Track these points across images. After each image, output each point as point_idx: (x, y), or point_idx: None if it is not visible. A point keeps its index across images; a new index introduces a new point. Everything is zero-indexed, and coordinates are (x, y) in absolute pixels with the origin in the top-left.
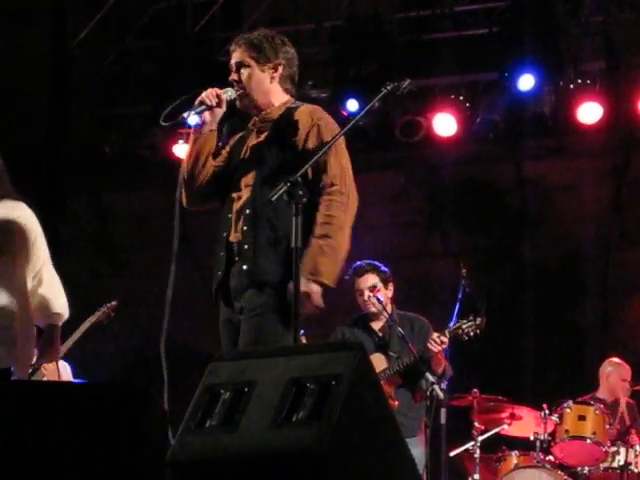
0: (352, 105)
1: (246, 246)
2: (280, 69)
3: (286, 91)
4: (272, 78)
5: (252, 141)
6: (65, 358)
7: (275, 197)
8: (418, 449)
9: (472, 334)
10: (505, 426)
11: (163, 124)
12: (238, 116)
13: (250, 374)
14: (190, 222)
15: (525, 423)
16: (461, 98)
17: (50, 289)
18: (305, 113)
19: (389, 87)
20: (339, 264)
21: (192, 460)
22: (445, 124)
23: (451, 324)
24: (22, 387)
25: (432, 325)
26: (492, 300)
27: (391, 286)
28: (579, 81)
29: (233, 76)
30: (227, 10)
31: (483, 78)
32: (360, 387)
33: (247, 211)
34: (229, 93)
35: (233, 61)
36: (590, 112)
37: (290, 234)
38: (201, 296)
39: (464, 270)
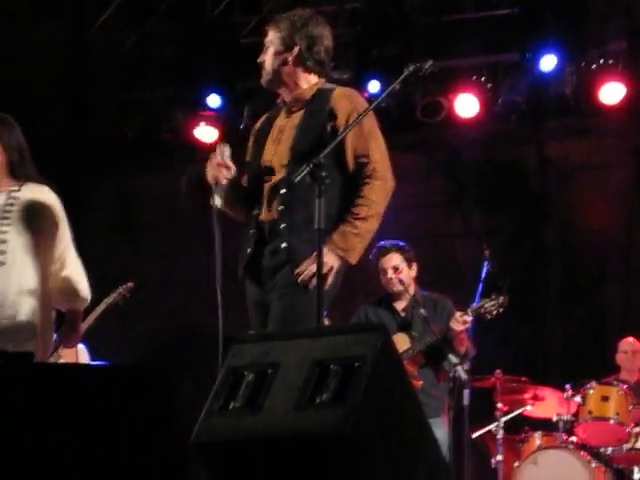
0: (374, 86)
1: (282, 225)
2: (296, 50)
3: (311, 71)
4: (291, 58)
5: (282, 121)
6: (82, 340)
7: (298, 178)
8: (441, 430)
9: (495, 312)
10: (528, 407)
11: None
12: (261, 97)
13: (273, 356)
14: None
15: (548, 404)
16: (483, 79)
17: (73, 273)
18: (344, 97)
19: (411, 68)
20: (365, 246)
21: (216, 442)
22: (467, 105)
23: (474, 304)
24: (44, 370)
25: (455, 305)
26: (514, 280)
27: (414, 266)
28: (601, 61)
29: (261, 56)
30: None
31: (505, 59)
32: (383, 368)
33: (282, 191)
34: (226, 153)
35: (265, 42)
36: (612, 92)
37: (330, 215)
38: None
39: (487, 250)
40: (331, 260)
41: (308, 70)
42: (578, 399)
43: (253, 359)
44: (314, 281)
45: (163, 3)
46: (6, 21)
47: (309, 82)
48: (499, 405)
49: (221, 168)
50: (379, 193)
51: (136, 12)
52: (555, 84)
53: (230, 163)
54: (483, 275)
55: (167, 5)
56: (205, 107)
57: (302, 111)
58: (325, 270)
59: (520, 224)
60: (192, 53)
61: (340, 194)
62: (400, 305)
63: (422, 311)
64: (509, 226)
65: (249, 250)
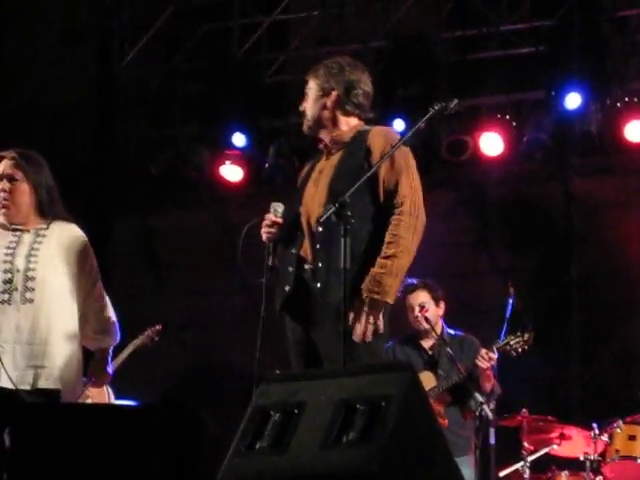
0: (399, 125)
1: (318, 264)
2: (334, 95)
3: (350, 114)
4: (329, 103)
5: (322, 163)
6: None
7: (324, 218)
8: (468, 469)
9: (520, 350)
10: (555, 446)
11: (253, 280)
12: (285, 137)
13: (300, 395)
14: (236, 245)
15: (575, 443)
16: (507, 117)
17: (102, 311)
18: (379, 135)
19: (437, 107)
20: (400, 283)
21: None
22: (492, 143)
23: (499, 340)
24: (72, 409)
25: (481, 343)
26: (540, 318)
27: (442, 304)
28: (626, 99)
29: (302, 105)
30: (273, 32)
31: (529, 97)
32: (410, 407)
33: (319, 229)
34: (279, 211)
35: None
36: (637, 130)
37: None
38: (248, 318)
39: (512, 287)
40: (372, 305)
41: (347, 113)
42: (605, 438)
43: (280, 399)
44: (377, 327)
45: (190, 41)
46: (32, 56)
47: (349, 125)
48: (525, 444)
49: (271, 228)
50: (407, 229)
51: (163, 49)
52: (580, 122)
53: (279, 219)
54: (508, 312)
55: (193, 43)
56: (230, 145)
57: (341, 152)
58: (372, 320)
59: (545, 261)
60: (217, 91)
61: (374, 229)
62: (427, 343)
63: (448, 350)
64: (534, 264)
65: (287, 288)
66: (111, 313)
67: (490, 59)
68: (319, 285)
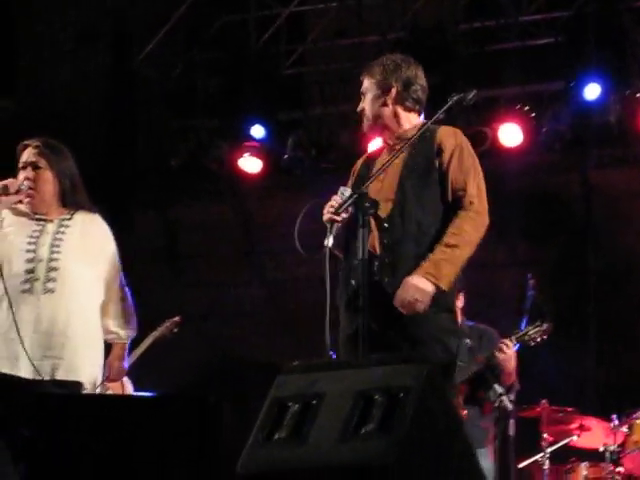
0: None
1: (386, 260)
2: (393, 92)
3: (411, 110)
4: (390, 100)
5: (385, 159)
6: (127, 373)
7: (342, 208)
8: (487, 461)
9: (539, 339)
10: (574, 437)
11: (307, 255)
12: (304, 128)
13: (318, 386)
14: (255, 237)
15: (594, 434)
16: (526, 108)
17: (121, 306)
18: (450, 134)
19: (455, 98)
20: (456, 273)
21: (261, 472)
22: (511, 134)
23: (518, 331)
24: (93, 401)
25: (501, 335)
26: (559, 309)
27: (461, 296)
28: None
29: (359, 105)
30: (291, 23)
31: (548, 88)
32: (429, 399)
33: (385, 225)
34: (346, 193)
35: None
36: None
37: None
38: (267, 310)
39: (532, 280)
40: (424, 284)
41: (408, 109)
42: (625, 429)
43: (298, 390)
44: (419, 305)
45: (208, 32)
46: (50, 50)
47: (410, 121)
48: (545, 435)
49: (338, 211)
50: (471, 223)
51: (182, 41)
52: (599, 113)
53: (348, 207)
54: (528, 305)
55: (212, 34)
56: (249, 137)
57: (407, 149)
58: (420, 297)
59: (565, 253)
60: (236, 83)
61: (442, 228)
62: None
63: (467, 341)
64: (553, 255)
65: (353, 282)
66: (131, 306)
67: (508, 50)
68: (387, 279)
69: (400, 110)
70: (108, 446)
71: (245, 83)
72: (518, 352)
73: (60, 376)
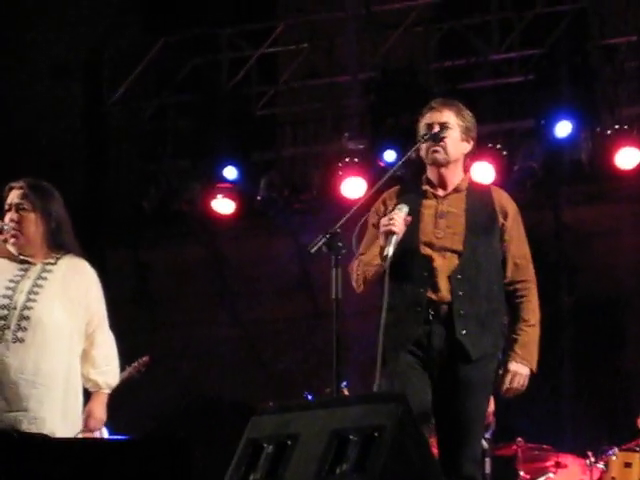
0: (390, 156)
1: (461, 311)
2: (472, 144)
3: (466, 169)
4: (465, 149)
5: (439, 204)
6: None
7: (315, 249)
8: None
9: None
10: (550, 475)
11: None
12: (277, 170)
13: (293, 427)
14: (228, 277)
15: (570, 471)
16: (498, 146)
17: (103, 353)
18: (508, 198)
19: (426, 137)
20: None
21: None
22: (483, 172)
23: None
24: (61, 446)
25: None
26: None
27: None
28: (616, 127)
29: (435, 128)
30: (262, 64)
31: (520, 126)
32: (403, 438)
33: (459, 276)
34: (404, 210)
35: (437, 120)
36: (628, 157)
37: (502, 310)
38: (240, 350)
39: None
40: (524, 371)
41: (466, 167)
42: (601, 466)
43: (272, 430)
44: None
45: (179, 74)
46: (22, 89)
47: (462, 174)
48: (521, 473)
49: (401, 224)
50: (536, 297)
51: (153, 83)
52: (570, 150)
53: (406, 223)
54: None
55: (183, 76)
56: (222, 179)
57: (462, 200)
58: (522, 381)
59: (538, 290)
60: (208, 124)
61: (501, 288)
62: None
63: None
64: None
65: (417, 328)
66: (114, 355)
67: (480, 88)
68: (461, 331)
69: (462, 164)
70: None
71: (217, 124)
72: (493, 393)
73: (23, 428)
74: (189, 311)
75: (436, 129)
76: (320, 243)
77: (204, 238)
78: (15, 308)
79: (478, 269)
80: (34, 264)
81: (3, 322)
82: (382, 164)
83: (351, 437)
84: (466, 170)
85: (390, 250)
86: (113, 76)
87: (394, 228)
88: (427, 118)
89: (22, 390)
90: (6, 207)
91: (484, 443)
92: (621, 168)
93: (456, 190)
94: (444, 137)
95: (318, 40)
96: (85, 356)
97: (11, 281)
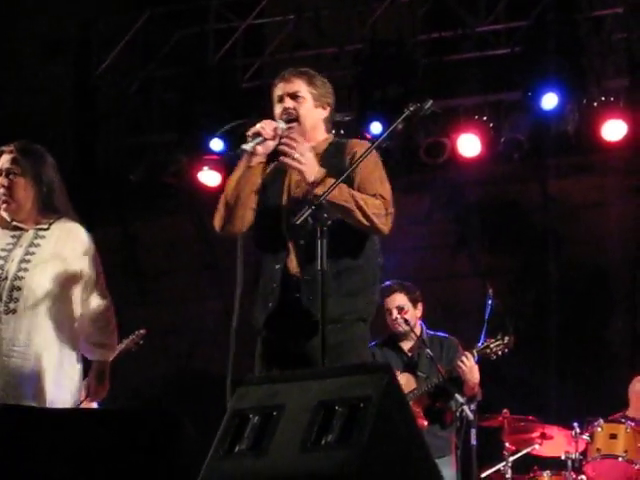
0: (376, 128)
1: (309, 278)
2: (328, 110)
3: (327, 131)
4: (322, 116)
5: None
6: None
7: (300, 220)
8: (449, 470)
9: (500, 353)
10: (536, 446)
11: (217, 141)
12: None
13: (278, 398)
14: (216, 250)
15: (556, 443)
16: (485, 118)
17: (100, 323)
18: (362, 145)
19: (412, 108)
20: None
21: None
22: (469, 145)
23: (479, 343)
24: (56, 414)
25: (462, 345)
26: (519, 319)
27: (420, 306)
28: (603, 99)
29: (287, 103)
30: (249, 36)
31: (506, 98)
32: (389, 409)
33: (301, 242)
34: (282, 125)
35: (287, 90)
36: (614, 129)
37: (355, 267)
38: (228, 324)
39: (490, 290)
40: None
41: (328, 129)
42: (586, 437)
43: (258, 401)
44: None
45: (165, 47)
46: (9, 65)
47: (323, 136)
48: (507, 444)
49: (271, 128)
50: (377, 215)
51: (139, 56)
52: (557, 122)
53: (278, 133)
54: (487, 314)
55: (169, 49)
56: (208, 151)
57: (321, 162)
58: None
59: (525, 262)
60: (194, 97)
61: (358, 240)
62: (406, 345)
63: (428, 351)
64: (514, 265)
65: (270, 305)
66: (112, 320)
67: (466, 60)
68: (308, 298)
69: (322, 127)
70: (65, 461)
71: (203, 97)
72: (479, 362)
73: (13, 401)
74: (177, 285)
75: (287, 102)
76: (306, 214)
77: (192, 210)
78: (6, 278)
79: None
80: (26, 230)
81: None
82: (369, 136)
83: (337, 407)
84: (328, 131)
85: (249, 146)
86: (101, 50)
87: (262, 130)
88: (278, 89)
89: (14, 361)
90: None
91: (469, 414)
92: (607, 140)
93: (316, 153)
94: (291, 127)
95: (305, 12)
96: (82, 322)
97: (3, 250)
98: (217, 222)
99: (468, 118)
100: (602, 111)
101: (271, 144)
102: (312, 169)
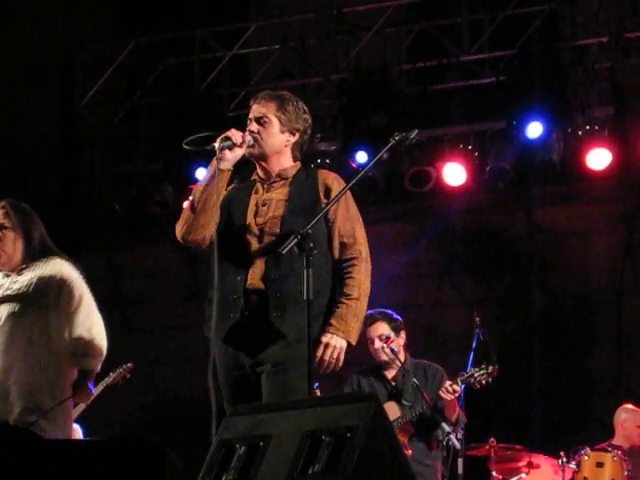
0: (361, 157)
1: (276, 294)
2: (297, 135)
3: (295, 158)
4: (287, 141)
5: (264, 194)
6: (77, 420)
7: (286, 249)
8: None
9: (484, 382)
10: (523, 475)
11: (186, 147)
12: (248, 169)
13: (265, 428)
14: (202, 279)
15: (543, 472)
16: (470, 147)
17: (83, 336)
18: (334, 178)
19: (397, 138)
20: (361, 326)
21: None
22: (455, 174)
23: (463, 372)
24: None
25: (446, 373)
26: (505, 348)
27: (403, 334)
28: (587, 127)
29: (252, 127)
30: (234, 66)
31: (491, 127)
32: (375, 438)
33: (271, 261)
34: (249, 138)
35: (255, 114)
36: (599, 158)
37: (319, 289)
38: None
39: (478, 318)
40: (338, 343)
41: (295, 157)
42: (573, 466)
43: (245, 431)
44: (339, 364)
45: (151, 76)
46: None
47: (290, 163)
48: (494, 473)
49: (240, 135)
50: (366, 274)
51: (125, 85)
52: (542, 151)
53: (246, 142)
54: (474, 343)
55: (155, 78)
56: (194, 180)
57: (287, 186)
58: (335, 354)
59: (510, 291)
60: (180, 126)
61: (327, 272)
62: (390, 374)
63: (414, 380)
64: (499, 293)
65: (232, 315)
66: (95, 336)
67: (451, 90)
68: (275, 314)
69: (290, 154)
70: None
71: (189, 126)
72: (464, 391)
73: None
74: (162, 314)
75: (252, 125)
76: (291, 244)
77: (176, 240)
78: None
79: (293, 251)
80: (10, 276)
81: None
82: (354, 165)
83: (323, 437)
84: (295, 159)
85: (220, 145)
86: (86, 79)
87: (231, 135)
88: (251, 110)
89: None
90: None
91: (456, 443)
92: (592, 169)
93: (281, 178)
94: (259, 131)
95: (290, 41)
96: (64, 340)
97: None
98: (180, 230)
99: (453, 147)
100: (587, 140)
101: (239, 152)
102: (342, 342)
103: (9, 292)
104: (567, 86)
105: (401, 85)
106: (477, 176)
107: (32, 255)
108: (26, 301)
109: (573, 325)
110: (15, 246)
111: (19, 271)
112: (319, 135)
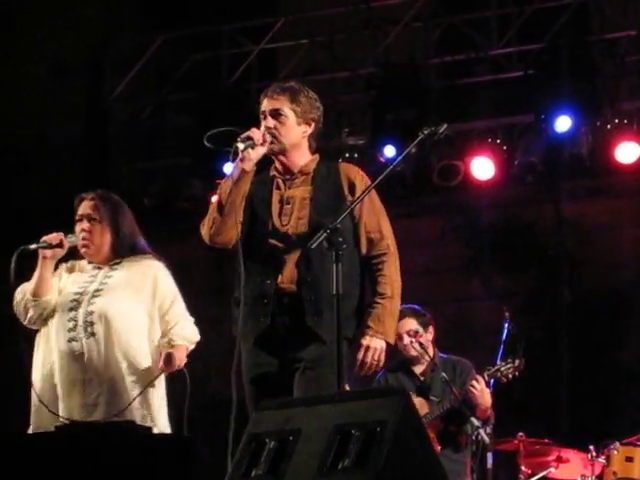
0: (390, 151)
1: (310, 297)
2: (313, 126)
3: (311, 149)
4: (304, 133)
5: (286, 191)
6: None
7: (315, 244)
8: None
9: (511, 376)
10: (552, 469)
11: (207, 144)
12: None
13: (295, 422)
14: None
15: (572, 466)
16: (498, 141)
17: (177, 326)
18: (356, 172)
19: (426, 132)
20: (396, 324)
21: None
22: (483, 168)
23: (491, 367)
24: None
25: (475, 368)
26: (533, 342)
27: (431, 329)
28: (616, 121)
29: (268, 123)
30: (262, 60)
31: (520, 121)
32: (405, 433)
33: (302, 262)
34: (268, 135)
35: (269, 107)
36: (628, 152)
37: (349, 287)
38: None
39: (507, 313)
40: (378, 344)
41: (312, 146)
42: (602, 460)
43: (274, 426)
44: (380, 365)
45: (179, 71)
46: (22, 89)
47: (308, 155)
48: (523, 468)
49: (262, 134)
50: (396, 269)
51: (153, 80)
52: (570, 145)
53: (267, 141)
54: (504, 337)
55: (183, 73)
56: (222, 175)
57: (309, 183)
58: (376, 355)
59: (538, 285)
60: (208, 121)
61: (355, 269)
62: (419, 369)
63: (443, 374)
64: (527, 287)
65: (262, 320)
66: (188, 332)
67: (480, 84)
68: (312, 318)
69: (306, 145)
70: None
71: (217, 121)
72: (493, 385)
73: (99, 417)
74: (191, 308)
75: (268, 121)
76: (321, 238)
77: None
78: (80, 307)
79: (317, 250)
80: (102, 269)
81: (74, 321)
82: (382, 159)
83: (353, 432)
84: (312, 150)
85: (242, 145)
86: (114, 75)
87: (252, 134)
88: (262, 105)
89: (95, 384)
90: (77, 217)
91: (485, 437)
92: (621, 162)
93: (303, 173)
94: (276, 126)
95: (318, 36)
96: (163, 337)
97: (80, 286)
98: (207, 232)
99: (481, 141)
100: (616, 133)
101: (261, 151)
102: (381, 343)
103: (103, 287)
104: (596, 80)
105: (429, 79)
106: (505, 170)
107: (122, 249)
108: (122, 296)
109: (602, 319)
110: (103, 238)
111: (112, 265)
112: (347, 129)
